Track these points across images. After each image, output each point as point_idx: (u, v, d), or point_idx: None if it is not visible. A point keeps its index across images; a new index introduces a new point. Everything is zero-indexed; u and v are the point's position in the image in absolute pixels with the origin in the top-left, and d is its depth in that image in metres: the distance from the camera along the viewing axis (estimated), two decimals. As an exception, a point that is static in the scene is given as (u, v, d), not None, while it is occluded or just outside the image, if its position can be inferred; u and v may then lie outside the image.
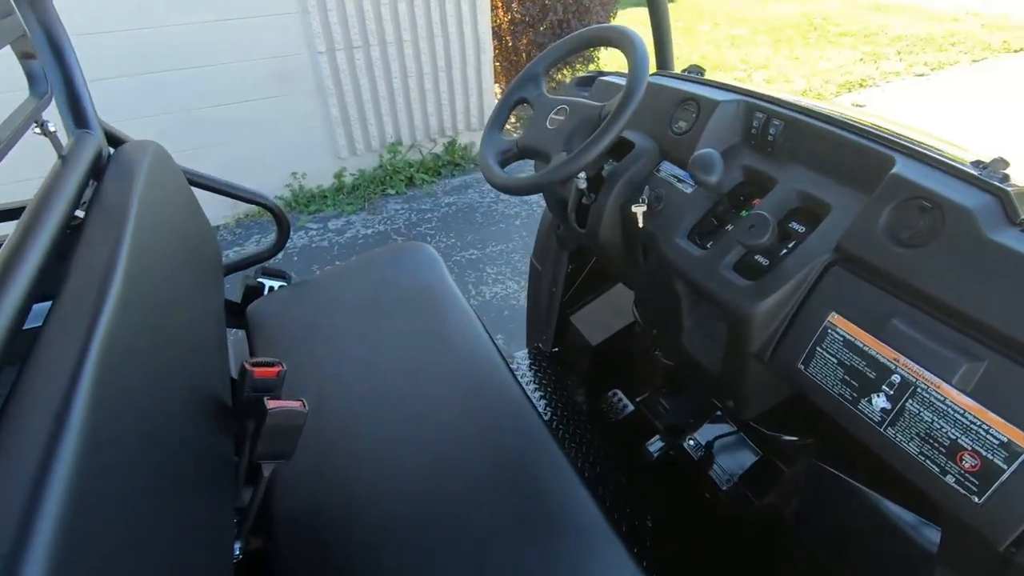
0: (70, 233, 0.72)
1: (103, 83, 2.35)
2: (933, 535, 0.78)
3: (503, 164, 1.00)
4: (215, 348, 0.88)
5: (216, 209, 2.96)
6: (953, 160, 0.67)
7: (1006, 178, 0.63)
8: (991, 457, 0.55)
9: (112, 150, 0.98)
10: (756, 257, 0.79)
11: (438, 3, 3.03)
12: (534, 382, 1.53)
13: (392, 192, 3.28)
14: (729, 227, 0.85)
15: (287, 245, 2.89)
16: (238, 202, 3.09)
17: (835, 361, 0.69)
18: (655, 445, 1.21)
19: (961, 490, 0.58)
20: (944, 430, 0.59)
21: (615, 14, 4.13)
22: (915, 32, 5.90)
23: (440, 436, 0.94)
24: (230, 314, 1.20)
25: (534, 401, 1.47)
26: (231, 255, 2.74)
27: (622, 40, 0.89)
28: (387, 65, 3.07)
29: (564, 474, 0.89)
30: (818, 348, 0.71)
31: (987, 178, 0.63)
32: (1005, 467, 0.55)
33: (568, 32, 3.91)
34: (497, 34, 3.91)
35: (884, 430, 0.64)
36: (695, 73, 1.06)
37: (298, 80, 2.89)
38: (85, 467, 0.43)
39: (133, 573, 0.46)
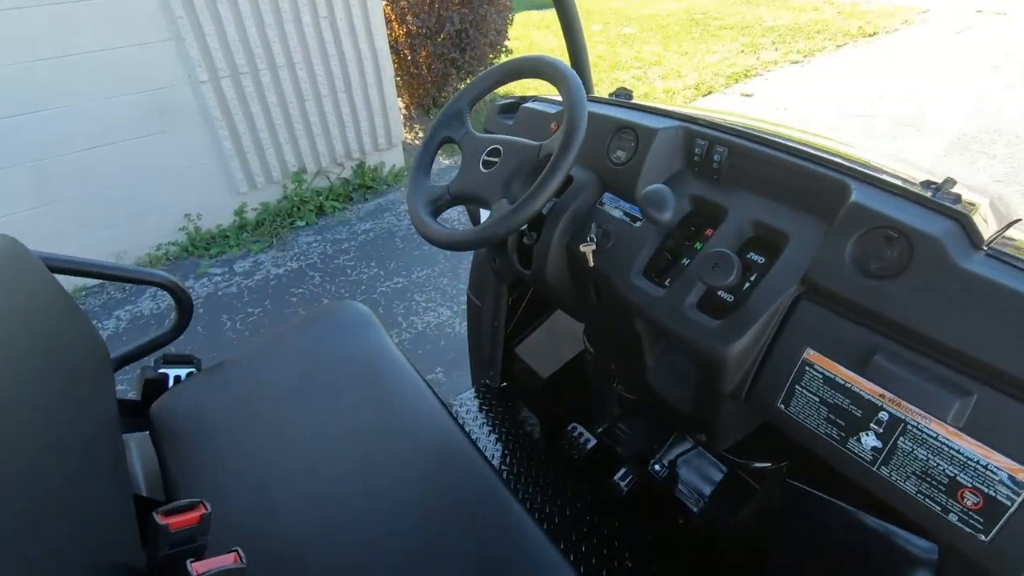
0: None
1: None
2: (923, 545, 0.78)
3: (435, 213, 0.91)
4: (106, 475, 0.72)
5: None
6: (905, 182, 0.67)
7: (958, 199, 0.63)
8: (993, 494, 0.54)
9: None
10: (719, 293, 0.76)
11: (329, 23, 2.86)
12: (486, 423, 1.45)
13: (302, 224, 3.06)
14: (685, 261, 0.81)
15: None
16: (120, 255, 2.78)
17: (816, 399, 0.66)
18: (624, 478, 1.17)
19: (966, 528, 0.56)
20: (941, 468, 0.57)
21: (511, 21, 4.12)
22: (784, 23, 6.38)
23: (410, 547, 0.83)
24: (129, 416, 1.01)
25: (489, 443, 1.38)
26: (129, 317, 2.44)
27: (553, 74, 0.82)
28: (280, 90, 2.85)
29: (523, 527, 0.82)
30: (797, 386, 0.68)
31: (942, 200, 0.62)
32: (1009, 504, 0.53)
33: (467, 42, 3.85)
34: (394, 48, 3.77)
35: (877, 469, 0.62)
36: (623, 97, 1.02)
37: (180, 114, 2.62)
38: None
39: None
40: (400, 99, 4.14)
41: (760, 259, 0.74)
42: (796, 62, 5.20)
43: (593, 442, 1.26)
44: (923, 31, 5.91)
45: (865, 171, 0.68)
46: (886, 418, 0.60)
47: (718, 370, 0.74)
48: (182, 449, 0.92)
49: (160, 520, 0.59)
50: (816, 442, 0.67)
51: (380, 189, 3.39)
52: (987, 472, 0.54)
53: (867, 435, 0.62)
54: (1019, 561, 0.53)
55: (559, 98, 1.15)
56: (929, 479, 0.58)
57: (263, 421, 0.97)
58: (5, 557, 0.46)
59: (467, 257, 2.71)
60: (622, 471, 1.19)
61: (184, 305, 1.03)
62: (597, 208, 0.91)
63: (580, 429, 1.29)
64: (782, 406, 0.70)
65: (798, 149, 0.74)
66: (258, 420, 0.97)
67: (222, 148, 2.80)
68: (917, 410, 0.58)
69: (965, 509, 0.56)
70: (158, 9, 2.38)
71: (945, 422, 0.56)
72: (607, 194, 0.92)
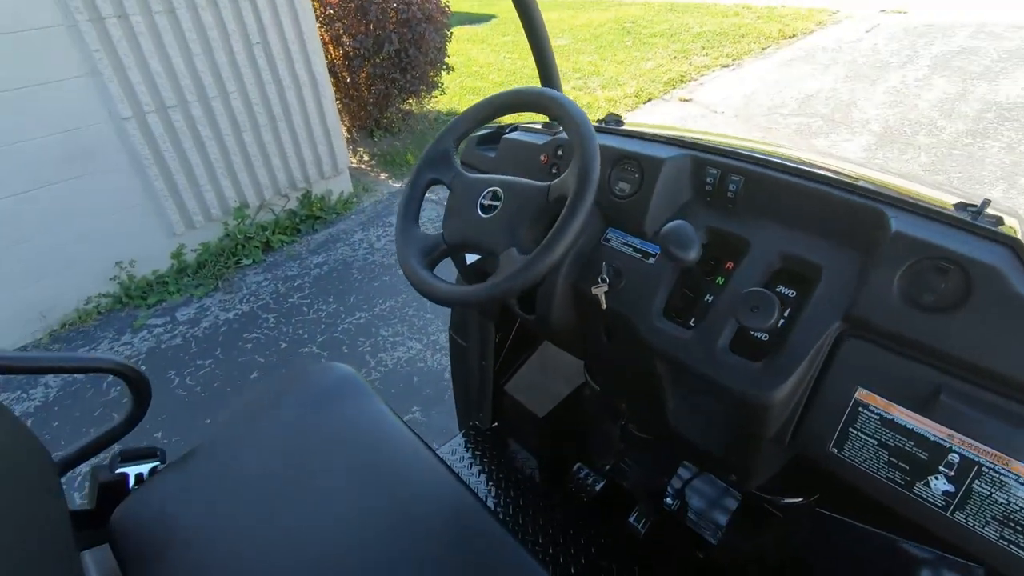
0: None
1: None
2: (968, 566, 0.75)
3: (432, 265, 0.82)
4: None
5: (9, 328, 2.36)
6: (939, 206, 0.64)
7: (1000, 221, 0.61)
8: (1086, 537, 0.51)
9: None
10: (752, 332, 0.71)
11: (262, 48, 2.70)
12: (482, 469, 1.36)
13: (248, 262, 2.87)
14: (708, 298, 0.76)
15: (128, 353, 2.38)
16: (45, 312, 2.50)
17: (874, 442, 0.62)
18: (640, 519, 1.10)
19: None
20: None
21: (450, 37, 4.06)
22: (710, 28, 6.62)
23: None
24: (85, 528, 0.86)
25: (488, 490, 1.29)
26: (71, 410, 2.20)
27: (555, 109, 0.76)
28: (214, 122, 2.67)
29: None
30: (850, 429, 0.64)
31: (984, 224, 0.60)
32: (1104, 546, 0.50)
33: (408, 62, 3.76)
34: (332, 71, 3.64)
35: (951, 514, 0.58)
36: (613, 123, 0.96)
37: (102, 154, 2.39)
38: None
39: None
40: (341, 123, 3.99)
41: (791, 293, 0.70)
42: (727, 65, 5.40)
43: (602, 482, 1.19)
44: (836, 31, 6.27)
45: (896, 196, 0.65)
46: (957, 460, 0.57)
47: (760, 416, 0.68)
48: (152, 563, 0.78)
49: None
50: (876, 486, 0.63)
51: (329, 219, 3.23)
52: None
53: (936, 479, 0.58)
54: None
55: (539, 125, 1.09)
56: (1013, 524, 0.54)
57: (245, 520, 0.83)
58: None
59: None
60: (636, 510, 1.13)
61: (140, 390, 0.88)
62: (603, 245, 0.85)
63: (586, 469, 1.22)
64: (834, 450, 0.65)
65: (819, 175, 0.71)
66: (240, 519, 0.83)
67: (153, 188, 2.58)
68: (993, 451, 0.54)
69: None
70: (70, 43, 2.17)
71: (1022, 461, 0.53)
72: (612, 230, 0.86)
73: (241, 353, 2.30)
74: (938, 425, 0.57)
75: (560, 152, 0.92)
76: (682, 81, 5.07)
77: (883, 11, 6.90)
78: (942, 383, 0.57)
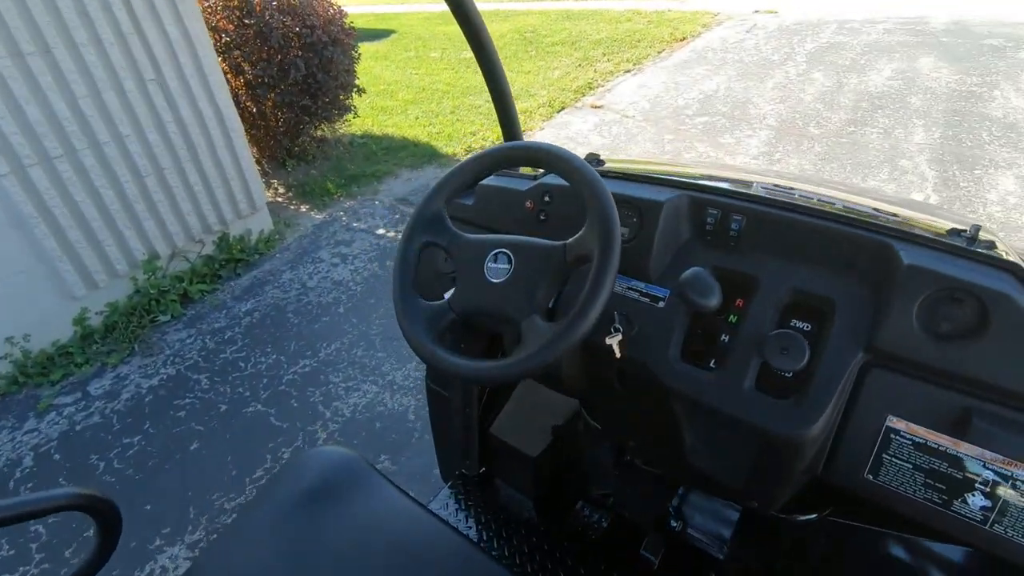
0: None
1: None
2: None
3: (444, 340, 0.76)
4: None
5: None
6: (936, 233, 0.68)
7: (994, 245, 0.65)
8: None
9: None
10: (769, 366, 0.72)
11: (159, 85, 2.47)
12: (477, 521, 1.30)
13: (166, 318, 2.61)
14: (724, 338, 0.76)
15: (35, 441, 2.07)
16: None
17: (910, 466, 0.65)
18: (652, 550, 1.10)
19: None
20: None
21: (358, 58, 3.93)
22: (606, 35, 6.89)
23: None
24: None
25: (490, 543, 1.24)
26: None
27: (556, 164, 0.73)
28: (109, 170, 2.40)
29: None
30: (884, 455, 0.66)
31: (983, 250, 0.64)
32: None
33: (317, 87, 3.59)
34: (236, 101, 3.39)
35: (990, 527, 0.61)
36: (595, 163, 0.95)
37: (-24, 218, 2.08)
38: None
39: None
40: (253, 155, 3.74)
41: (806, 326, 0.72)
42: (629, 70, 5.63)
43: (608, 518, 1.18)
44: (720, 32, 6.73)
45: (897, 228, 0.69)
46: (991, 477, 0.60)
47: (794, 452, 0.70)
48: None
49: None
50: (913, 507, 0.66)
51: (252, 260, 3.01)
52: None
53: (973, 496, 0.62)
54: None
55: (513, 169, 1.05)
56: (1049, 531, 0.58)
57: None
58: None
59: (376, 323, 2.50)
60: (646, 542, 1.12)
61: (107, 521, 0.75)
62: None
63: (588, 508, 1.20)
64: (870, 476, 0.67)
65: (820, 211, 0.73)
66: None
67: (43, 249, 2.28)
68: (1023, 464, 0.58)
69: None
70: (-77, 95, 1.87)
71: None
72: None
73: (175, 423, 2.08)
74: (972, 446, 0.60)
75: (547, 198, 0.90)
76: (590, 88, 5.23)
77: (757, 11, 7.51)
78: (972, 406, 0.61)
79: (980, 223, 0.67)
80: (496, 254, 0.74)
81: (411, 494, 0.92)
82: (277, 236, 3.21)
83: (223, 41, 3.27)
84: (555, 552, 1.19)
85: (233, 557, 0.83)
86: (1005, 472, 0.59)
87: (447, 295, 0.82)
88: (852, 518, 0.89)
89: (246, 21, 3.27)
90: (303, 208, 3.53)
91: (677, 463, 0.87)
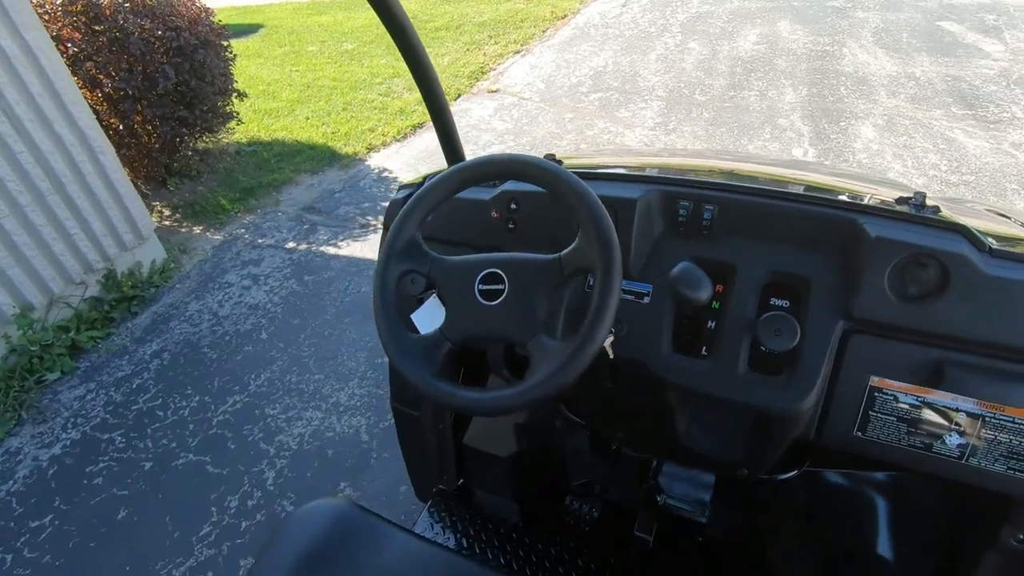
0: None
1: None
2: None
3: (442, 371, 0.71)
4: None
5: None
6: (888, 203, 0.73)
7: (938, 210, 0.72)
8: (1069, 449, 0.64)
9: None
10: (760, 346, 0.75)
11: (1, 113, 2.12)
12: (462, 533, 1.27)
13: (55, 376, 2.29)
14: (711, 324, 0.78)
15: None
16: None
17: (894, 419, 0.71)
18: (650, 529, 1.13)
19: None
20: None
21: (233, 60, 3.61)
22: (488, 17, 6.84)
23: None
24: None
25: (483, 553, 1.22)
26: None
27: (538, 176, 0.70)
28: (-46, 216, 2.04)
29: None
30: (870, 412, 0.71)
31: (933, 216, 0.70)
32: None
33: (193, 95, 3.25)
34: (98, 120, 3.00)
35: (967, 461, 0.69)
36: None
37: None
38: None
39: None
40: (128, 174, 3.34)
41: (785, 303, 0.76)
42: (518, 51, 5.64)
43: (599, 507, 1.20)
44: (597, 7, 6.91)
45: (858, 203, 0.73)
46: (964, 417, 0.67)
47: (790, 423, 0.74)
48: None
49: None
50: (899, 455, 0.72)
51: (148, 295, 2.72)
52: None
53: (951, 436, 0.68)
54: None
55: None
56: (1016, 457, 0.66)
57: None
58: None
59: (306, 344, 2.34)
60: (637, 522, 1.16)
61: None
62: (589, 293, 0.83)
63: (577, 500, 1.21)
64: (859, 433, 0.73)
65: (786, 193, 0.76)
66: None
67: None
68: (991, 403, 0.65)
69: None
70: None
71: (1018, 406, 0.64)
72: (593, 275, 0.84)
73: (92, 493, 1.84)
74: (947, 393, 0.67)
75: (514, 205, 0.87)
76: (483, 73, 5.19)
77: (627, -14, 7.78)
78: (944, 358, 0.67)
79: (923, 191, 0.74)
80: (486, 275, 0.70)
81: (413, 529, 0.88)
82: (173, 264, 2.91)
83: (71, 52, 2.86)
84: (551, 549, 1.19)
85: None
86: (976, 412, 0.66)
87: (416, 317, 0.77)
88: (827, 469, 0.97)
89: (95, 27, 2.88)
90: (197, 230, 3.23)
91: (670, 447, 0.89)
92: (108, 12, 2.89)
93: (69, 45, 2.85)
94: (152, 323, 2.57)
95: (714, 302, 0.79)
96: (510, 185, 0.89)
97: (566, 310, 0.83)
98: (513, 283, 0.69)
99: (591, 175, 0.89)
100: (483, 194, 0.91)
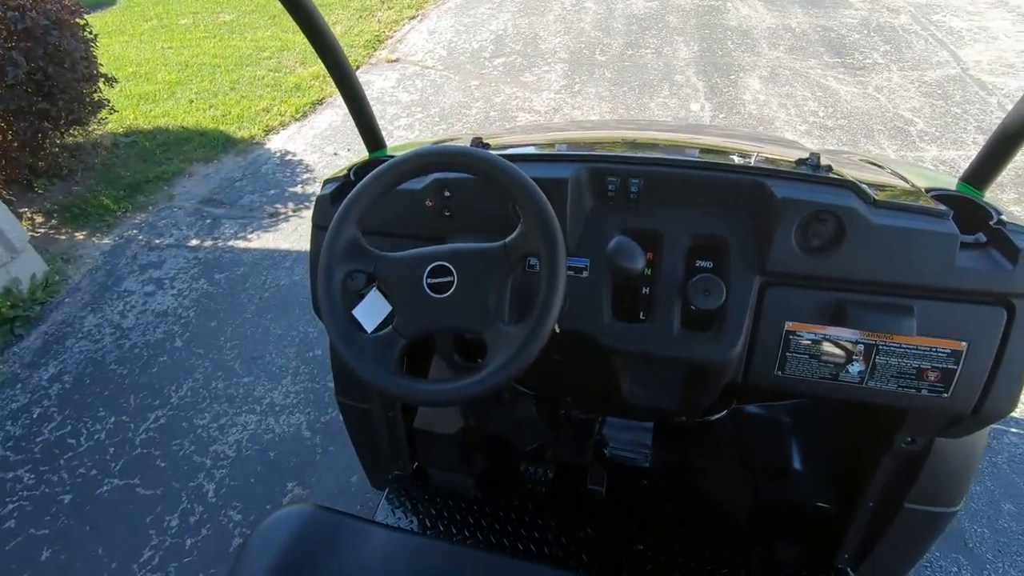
0: None
1: None
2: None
3: (399, 367, 0.71)
4: None
5: None
6: (790, 165, 0.81)
7: (831, 168, 0.80)
8: (945, 365, 0.76)
9: None
10: (691, 306, 0.82)
11: None
12: (425, 514, 1.30)
13: (-66, 417, 2.03)
14: (645, 290, 0.84)
15: None
16: None
17: (807, 357, 0.80)
18: (602, 481, 1.21)
19: (933, 395, 0.78)
20: (909, 364, 0.77)
21: (95, 40, 3.22)
22: (378, -21, 6.50)
23: None
24: None
25: (452, 531, 1.26)
26: None
27: (473, 165, 0.70)
28: None
29: None
30: (787, 353, 0.81)
31: (826, 175, 0.79)
32: (956, 367, 0.76)
33: (52, 84, 2.88)
34: (-66, 120, 2.60)
35: (866, 384, 0.80)
36: (480, 146, 0.93)
37: None
38: None
39: None
40: (-22, 184, 2.95)
41: (708, 264, 0.83)
42: (414, 17, 5.44)
43: (553, 468, 1.26)
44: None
45: (765, 167, 0.81)
46: (862, 348, 0.77)
47: (721, 371, 0.82)
48: None
49: None
50: (812, 386, 0.82)
51: (34, 313, 2.45)
52: (937, 354, 0.76)
53: (852, 365, 0.79)
54: (970, 399, 0.77)
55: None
56: (903, 376, 0.78)
57: None
58: None
59: (228, 346, 2.22)
60: (589, 475, 1.23)
61: None
62: (529, 272, 0.86)
63: (532, 466, 1.26)
64: (779, 372, 0.82)
65: (704, 163, 0.82)
66: None
67: None
68: (883, 333, 0.76)
69: (931, 384, 0.77)
70: None
71: (905, 334, 0.75)
72: (531, 258, 0.87)
73: (6, 538, 1.68)
74: (848, 329, 0.77)
75: (447, 192, 0.87)
76: (379, 41, 4.97)
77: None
78: (844, 299, 0.76)
79: (817, 151, 0.83)
80: (433, 268, 0.71)
81: (374, 518, 0.89)
82: (58, 277, 2.62)
83: None
84: (512, 515, 1.25)
85: None
86: (871, 343, 0.77)
87: (358, 313, 0.77)
88: (752, 404, 1.08)
89: (-86, 10, 2.46)
90: (80, 235, 2.92)
91: (615, 405, 0.96)
92: (-72, -9, 2.47)
93: None
94: (44, 344, 2.32)
95: (647, 269, 0.85)
96: (440, 173, 0.89)
97: (511, 292, 0.85)
98: (461, 274, 0.71)
99: (522, 158, 0.90)
100: (414, 184, 0.90)
